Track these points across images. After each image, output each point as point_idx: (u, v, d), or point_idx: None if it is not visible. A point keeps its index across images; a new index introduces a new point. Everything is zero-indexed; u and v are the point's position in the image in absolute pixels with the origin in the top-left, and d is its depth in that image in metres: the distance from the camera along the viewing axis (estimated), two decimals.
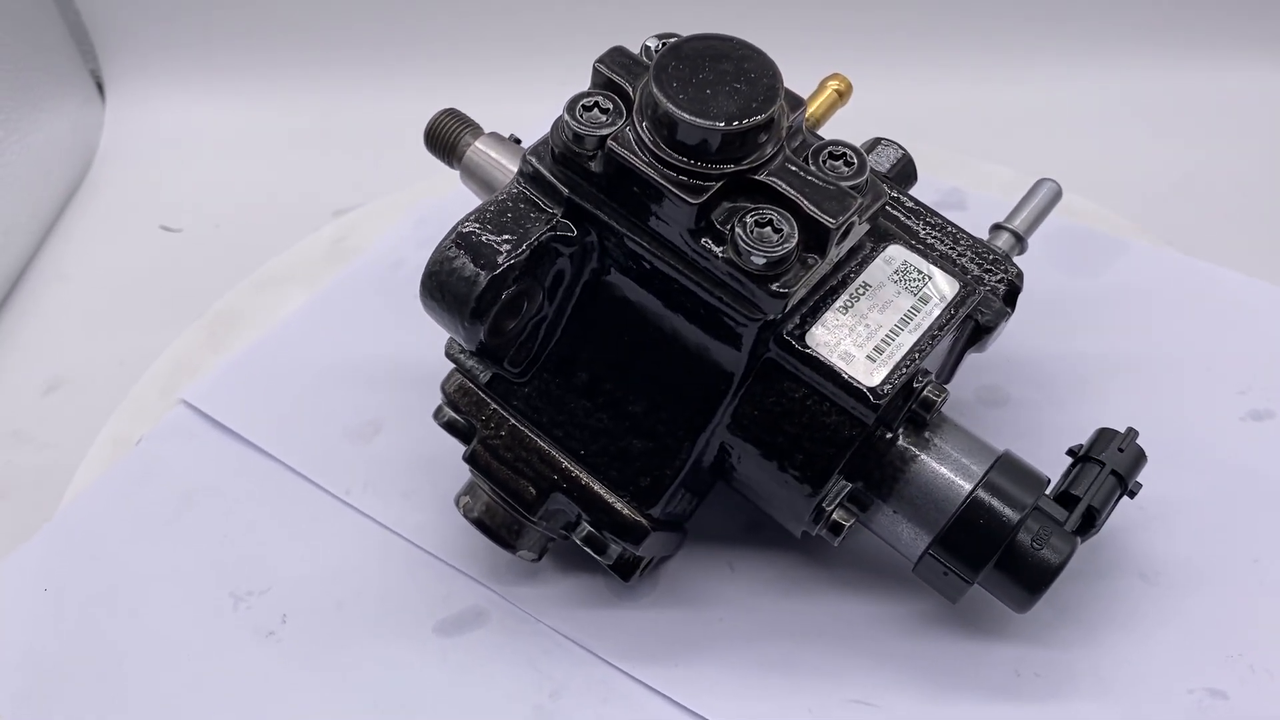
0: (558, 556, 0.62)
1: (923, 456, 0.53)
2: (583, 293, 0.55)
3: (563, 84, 0.54)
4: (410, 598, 0.61)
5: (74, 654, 0.59)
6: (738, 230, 0.47)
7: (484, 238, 0.51)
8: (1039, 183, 0.64)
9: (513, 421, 0.56)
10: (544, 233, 0.51)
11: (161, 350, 0.75)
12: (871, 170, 0.50)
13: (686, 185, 0.48)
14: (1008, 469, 0.54)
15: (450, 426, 0.58)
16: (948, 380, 0.62)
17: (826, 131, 0.66)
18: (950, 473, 0.53)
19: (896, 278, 0.54)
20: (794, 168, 0.49)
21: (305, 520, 0.65)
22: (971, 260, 0.59)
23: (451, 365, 0.57)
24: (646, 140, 0.48)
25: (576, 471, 0.55)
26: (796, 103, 0.51)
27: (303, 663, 0.58)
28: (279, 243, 0.83)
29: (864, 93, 0.67)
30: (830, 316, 0.52)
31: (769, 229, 0.47)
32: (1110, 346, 0.71)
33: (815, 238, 0.48)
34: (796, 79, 0.69)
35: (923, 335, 0.52)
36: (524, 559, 0.59)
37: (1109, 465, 0.55)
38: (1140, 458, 0.56)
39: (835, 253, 0.50)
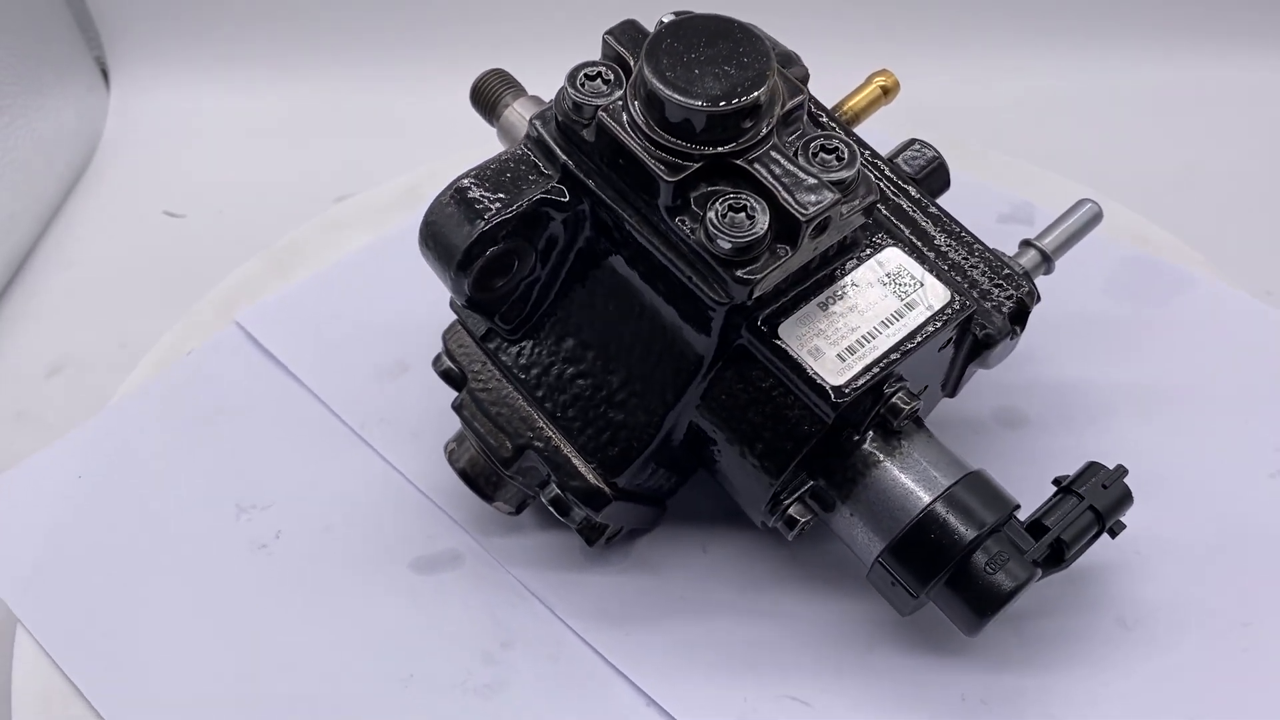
0: (540, 514, 0.63)
1: (886, 463, 0.52)
2: (576, 260, 0.56)
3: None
4: (395, 532, 0.63)
5: (90, 538, 0.64)
6: (709, 213, 0.48)
7: (478, 194, 0.52)
8: (1079, 203, 0.62)
9: (500, 376, 0.58)
10: (537, 195, 0.52)
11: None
12: (865, 169, 0.50)
13: (667, 162, 0.48)
14: (975, 487, 0.52)
15: (446, 375, 0.60)
16: (953, 394, 0.61)
17: (871, 127, 0.65)
18: (911, 482, 0.52)
19: (887, 281, 0.53)
20: (778, 156, 0.48)
21: (319, 448, 0.68)
22: (983, 273, 0.58)
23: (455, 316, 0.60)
24: (636, 115, 0.49)
25: (551, 433, 0.56)
26: (795, 91, 0.50)
27: (283, 578, 0.62)
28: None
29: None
30: (808, 310, 0.52)
31: (742, 215, 0.47)
32: (1148, 380, 0.68)
33: (787, 228, 0.48)
34: (845, 71, 0.70)
35: (900, 341, 0.51)
36: (501, 510, 0.61)
37: (1087, 500, 0.53)
38: (1125, 498, 0.54)
39: (811, 246, 0.49)
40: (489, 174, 0.53)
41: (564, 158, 0.52)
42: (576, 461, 0.56)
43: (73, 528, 0.65)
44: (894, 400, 0.51)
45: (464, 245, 0.52)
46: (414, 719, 0.56)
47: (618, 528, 0.60)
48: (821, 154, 0.49)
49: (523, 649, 0.58)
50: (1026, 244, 0.61)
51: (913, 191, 0.60)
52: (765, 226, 0.47)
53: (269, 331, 0.75)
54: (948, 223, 0.59)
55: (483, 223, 0.51)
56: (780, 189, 0.47)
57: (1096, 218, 0.62)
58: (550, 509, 0.57)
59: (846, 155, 0.49)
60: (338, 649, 0.59)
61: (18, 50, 0.98)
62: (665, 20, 0.53)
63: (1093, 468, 0.54)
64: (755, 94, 0.47)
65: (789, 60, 0.59)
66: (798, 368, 0.50)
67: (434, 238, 0.53)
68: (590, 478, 0.55)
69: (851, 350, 0.51)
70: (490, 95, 0.64)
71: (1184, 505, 0.61)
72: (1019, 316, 0.57)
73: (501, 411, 0.58)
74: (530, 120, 0.54)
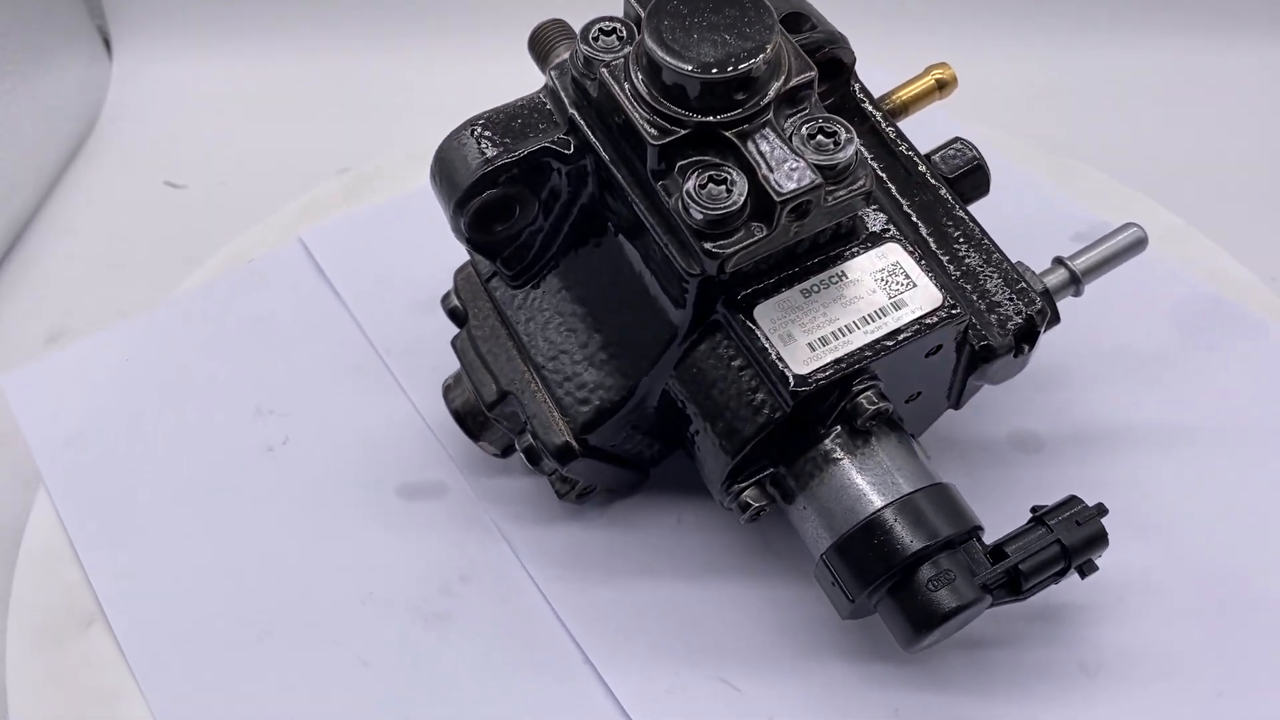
0: None
1: (845, 461, 0.51)
2: (580, 216, 0.56)
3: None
4: (391, 456, 0.65)
5: (123, 416, 0.68)
6: (688, 182, 0.47)
7: (485, 135, 0.53)
8: (1122, 226, 0.58)
9: (496, 320, 0.59)
10: (541, 145, 0.52)
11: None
12: (861, 156, 0.48)
13: (657, 126, 0.48)
14: (934, 499, 0.50)
15: (452, 313, 0.62)
16: (957, 405, 0.59)
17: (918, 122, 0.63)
18: (866, 483, 0.51)
19: (879, 276, 0.51)
20: (770, 133, 0.47)
21: (344, 367, 0.71)
22: (997, 284, 0.55)
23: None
24: (636, 75, 0.49)
25: (533, 382, 0.57)
26: (804, 68, 0.49)
27: (279, 482, 0.65)
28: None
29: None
30: (789, 296, 0.51)
31: (721, 188, 0.47)
32: (1180, 420, 0.64)
33: (765, 207, 0.47)
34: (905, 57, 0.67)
35: (877, 340, 0.50)
36: (485, 451, 0.62)
37: (1055, 534, 0.50)
38: (1097, 539, 0.51)
39: (790, 228, 0.48)
40: (500, 118, 0.54)
41: (571, 111, 0.52)
42: (553, 414, 0.56)
43: (109, 404, 0.69)
44: (859, 399, 0.50)
45: (464, 185, 0.52)
46: (359, 635, 0.58)
47: (589, 485, 0.60)
48: (819, 136, 0.48)
49: (479, 586, 0.59)
50: (1059, 261, 0.58)
51: (942, 191, 0.58)
52: (741, 202, 0.46)
53: (326, 251, 0.78)
54: (970, 227, 0.57)
55: (484, 165, 0.52)
56: (762, 165, 0.47)
57: (1139, 244, 0.58)
58: (523, 457, 0.58)
59: (843, 140, 0.48)
60: (309, 556, 0.61)
61: (20, 18, 0.98)
62: None
63: (1071, 501, 0.52)
64: (748, 65, 0.46)
65: (832, 40, 0.58)
66: (764, 351, 0.49)
67: (440, 172, 0.54)
68: (562, 432, 0.56)
69: (824, 341, 0.50)
70: (545, 44, 0.65)
71: (1185, 556, 0.58)
72: (1027, 334, 0.54)
73: (493, 353, 0.59)
74: (549, 70, 0.54)
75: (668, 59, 0.46)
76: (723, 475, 0.52)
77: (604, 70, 0.49)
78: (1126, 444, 0.63)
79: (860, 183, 0.48)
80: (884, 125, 0.60)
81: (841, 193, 0.48)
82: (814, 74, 0.49)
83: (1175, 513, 0.60)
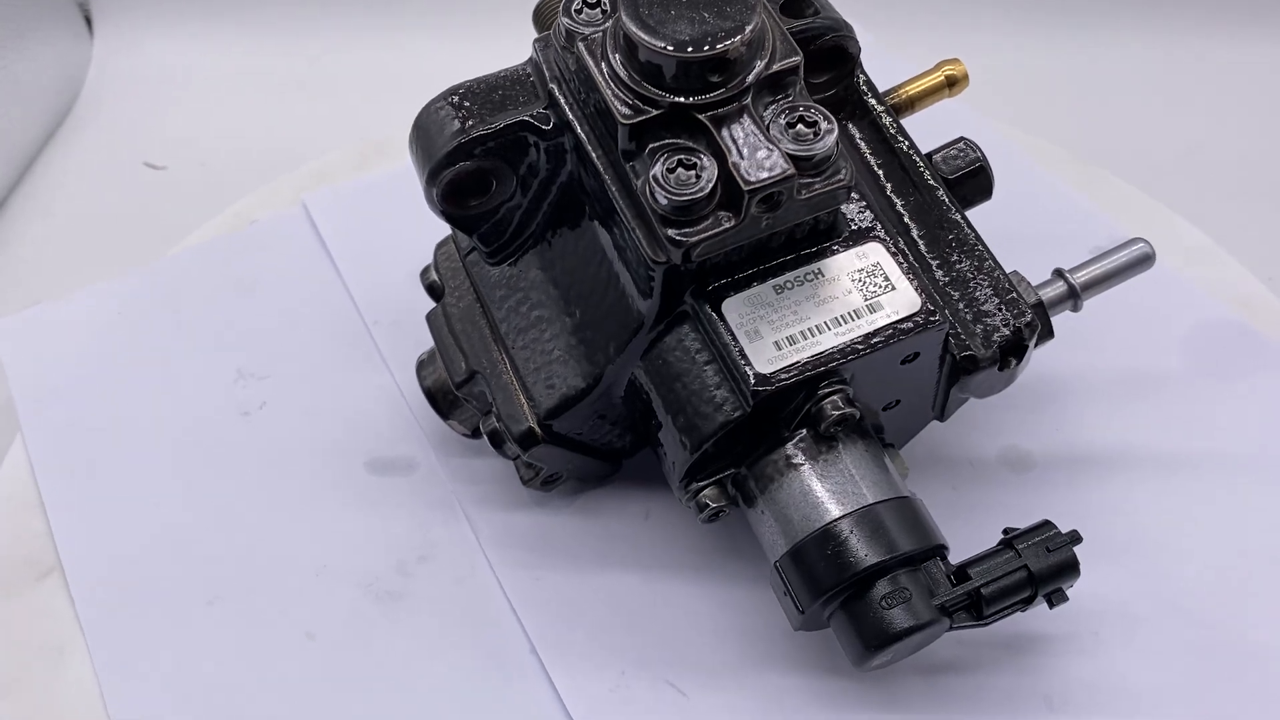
0: None
1: (806, 466, 0.49)
2: (559, 194, 0.54)
3: None
4: (364, 428, 0.65)
5: (107, 369, 0.68)
6: (657, 165, 0.45)
7: (464, 105, 0.51)
8: (1129, 241, 0.55)
9: (472, 297, 0.58)
10: (518, 119, 0.51)
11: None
12: (841, 149, 0.46)
13: (630, 104, 0.46)
14: (898, 512, 0.48)
15: (430, 288, 0.60)
16: (941, 417, 0.56)
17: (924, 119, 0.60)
18: (826, 491, 0.48)
19: (857, 276, 0.49)
20: (746, 119, 0.45)
21: (330, 335, 0.70)
22: (986, 292, 0.53)
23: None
24: (613, 51, 0.47)
25: (502, 363, 0.56)
26: (790, 52, 0.47)
27: (250, 446, 0.64)
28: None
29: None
30: (761, 290, 0.49)
31: (691, 173, 0.45)
32: (1182, 448, 0.61)
33: (734, 196, 0.45)
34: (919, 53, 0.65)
35: (848, 342, 0.48)
36: (455, 430, 0.61)
37: (1023, 560, 0.48)
38: (1068, 567, 0.48)
39: (760, 220, 0.46)
40: (481, 88, 0.52)
41: (551, 85, 0.50)
42: (519, 397, 0.55)
43: (95, 357, 0.69)
44: (824, 403, 0.48)
45: (438, 155, 0.51)
46: (309, 607, 0.57)
47: (554, 473, 0.59)
48: (800, 125, 0.46)
49: (435, 566, 0.58)
50: (1058, 274, 0.55)
51: (940, 193, 0.55)
52: (709, 189, 0.44)
53: (327, 217, 0.77)
54: (965, 232, 0.54)
55: (459, 135, 0.51)
56: (733, 152, 0.45)
57: (1144, 260, 0.55)
58: (488, 439, 0.57)
59: (823, 130, 0.45)
60: (270, 524, 0.60)
61: None
62: None
63: (1044, 526, 0.49)
64: (724, 46, 0.44)
65: (835, 27, 0.55)
66: (727, 347, 0.47)
67: (417, 141, 0.53)
68: (526, 417, 0.54)
69: (792, 340, 0.48)
70: (549, 17, 0.63)
71: (1167, 591, 0.55)
72: (1014, 348, 0.52)
73: (465, 332, 0.57)
74: (534, 41, 0.52)
75: (642, 35, 0.45)
76: (682, 472, 0.50)
77: (581, 44, 0.48)
78: (1122, 469, 0.60)
79: (839, 176, 0.46)
80: (886, 120, 0.57)
81: (818, 186, 0.46)
82: (799, 59, 0.47)
83: (1163, 545, 0.57)
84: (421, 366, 0.61)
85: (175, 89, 1.04)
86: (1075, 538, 0.49)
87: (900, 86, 0.60)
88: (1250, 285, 0.70)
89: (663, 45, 0.44)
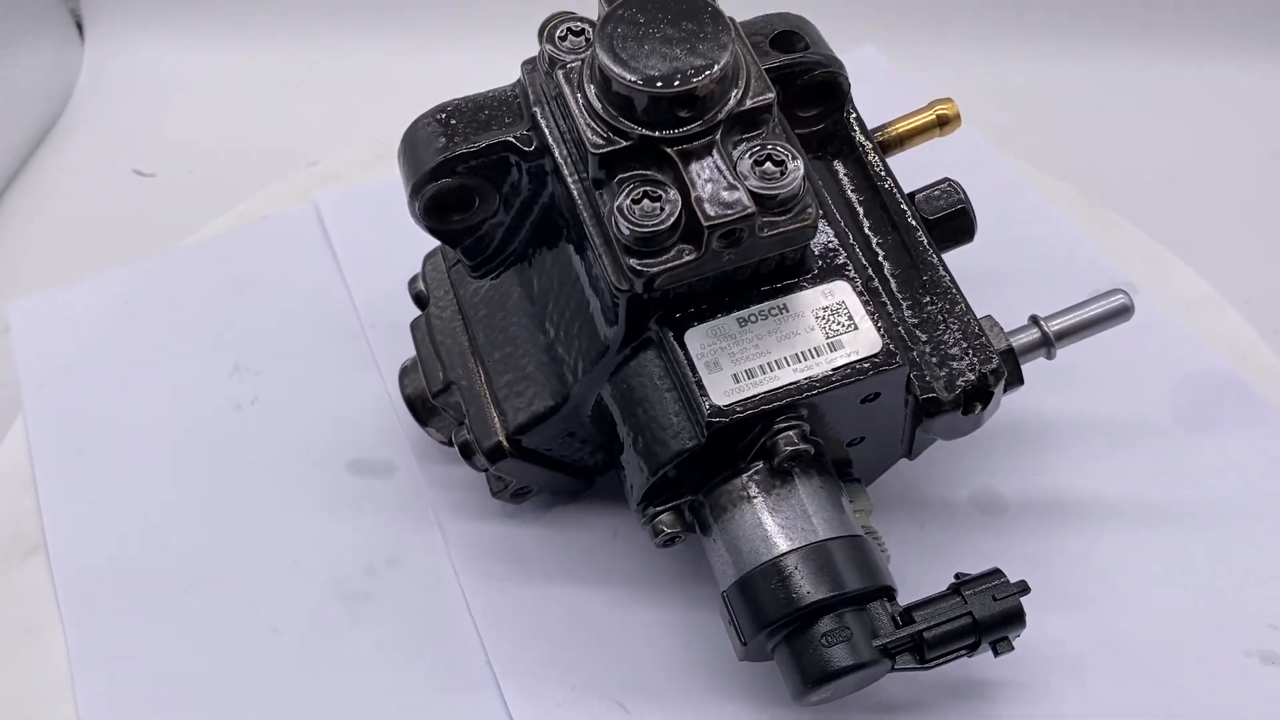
0: None
1: (759, 500, 0.49)
2: (541, 214, 0.55)
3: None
4: (350, 428, 0.66)
5: (110, 356, 0.70)
6: (623, 196, 0.46)
7: (449, 123, 0.53)
8: (1109, 292, 0.55)
9: (455, 309, 0.59)
10: (500, 139, 0.52)
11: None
12: (809, 188, 0.46)
13: (602, 135, 0.47)
14: (847, 551, 0.48)
15: (417, 297, 0.62)
16: (909, 455, 0.56)
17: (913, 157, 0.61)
18: (777, 525, 0.49)
19: (821, 314, 0.50)
20: (715, 154, 0.46)
21: (328, 334, 0.71)
22: (955, 335, 0.53)
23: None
24: (589, 81, 0.48)
25: (478, 376, 0.57)
26: (764, 89, 0.47)
27: (237, 440, 0.66)
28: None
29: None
30: (725, 323, 0.49)
31: (656, 205, 0.45)
32: (1161, 500, 0.61)
33: (695, 230, 0.45)
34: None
35: (805, 379, 0.48)
36: (433, 438, 0.62)
37: (969, 606, 0.48)
38: (1013, 617, 0.48)
39: (721, 255, 0.46)
40: (469, 106, 0.53)
41: (534, 108, 0.51)
42: (489, 411, 0.56)
43: (100, 343, 0.71)
44: (779, 438, 0.48)
45: (421, 170, 0.52)
46: (277, 602, 0.58)
47: (523, 486, 0.60)
48: (768, 163, 0.46)
49: (404, 572, 0.59)
50: (1034, 320, 0.55)
51: (918, 234, 0.55)
52: (671, 222, 0.45)
53: (335, 217, 0.79)
54: (939, 274, 0.54)
55: (442, 152, 0.52)
56: (697, 186, 0.45)
57: (1122, 312, 0.55)
58: (458, 449, 0.58)
59: (790, 169, 0.46)
60: (249, 518, 0.62)
61: None
62: None
63: (993, 574, 0.49)
64: (693, 83, 0.45)
65: (825, 64, 0.55)
66: (686, 376, 0.48)
67: (403, 154, 0.54)
68: (496, 431, 0.55)
69: (750, 374, 0.48)
70: None
71: (1125, 646, 0.55)
72: (979, 393, 0.52)
73: (445, 342, 0.59)
74: (522, 64, 0.53)
75: (613, 68, 0.45)
76: (639, 495, 0.51)
77: (560, 72, 0.49)
78: (1094, 519, 0.60)
79: (805, 216, 0.47)
80: (871, 158, 0.57)
81: (783, 224, 0.46)
82: (771, 97, 0.47)
83: (1127, 598, 0.56)
84: (404, 374, 0.62)
85: (167, 95, 1.04)
86: (1023, 588, 0.49)
87: (891, 124, 0.60)
88: (1247, 337, 0.69)
89: (633, 79, 0.45)
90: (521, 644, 0.56)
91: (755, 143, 0.47)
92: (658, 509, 0.51)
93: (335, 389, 0.68)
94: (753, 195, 0.45)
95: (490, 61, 0.62)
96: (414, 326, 0.60)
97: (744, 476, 0.50)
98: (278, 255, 0.77)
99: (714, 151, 0.46)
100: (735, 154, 0.46)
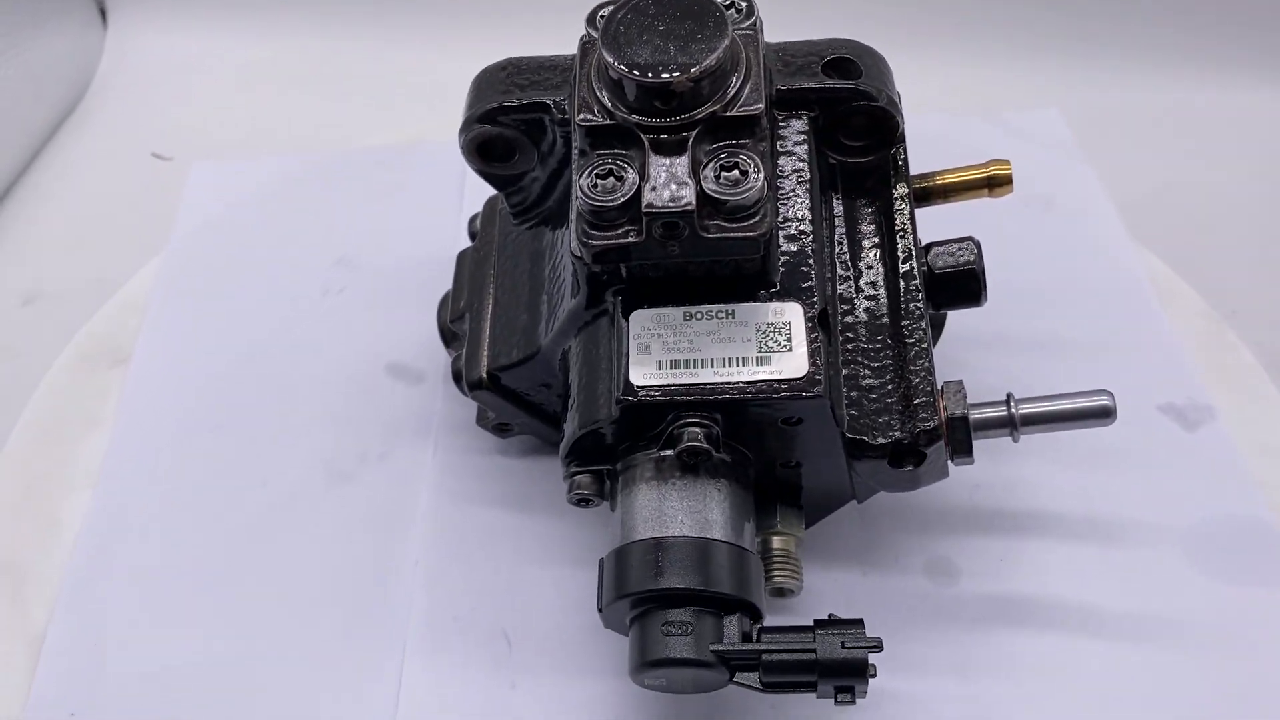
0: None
1: (654, 482, 0.51)
2: (569, 179, 0.59)
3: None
4: (401, 337, 0.73)
5: (249, 235, 0.81)
6: (590, 170, 0.49)
7: (503, 76, 0.57)
8: (1094, 391, 0.52)
9: (491, 246, 0.64)
10: (537, 100, 0.56)
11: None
12: (766, 202, 0.48)
13: (590, 110, 0.50)
14: (725, 558, 0.49)
15: (472, 232, 0.67)
16: (860, 498, 0.56)
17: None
18: (667, 513, 0.50)
19: (763, 329, 0.51)
20: (687, 150, 0.48)
21: (424, 255, 0.77)
22: (903, 389, 0.52)
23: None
24: (596, 62, 0.51)
25: (485, 313, 0.61)
26: (754, 100, 0.49)
27: (310, 318, 0.74)
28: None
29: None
30: (671, 312, 0.51)
31: (618, 184, 0.48)
32: (1119, 608, 0.58)
33: (640, 215, 0.48)
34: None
35: (721, 383, 0.49)
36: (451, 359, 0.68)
37: (814, 645, 0.48)
38: (856, 669, 0.47)
39: (662, 245, 0.48)
40: (532, 65, 0.58)
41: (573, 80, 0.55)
42: (482, 346, 0.60)
43: (247, 212, 0.82)
44: (683, 430, 0.50)
45: (469, 114, 0.57)
46: (274, 462, 0.66)
47: (504, 422, 0.64)
48: (734, 171, 0.48)
49: (389, 467, 0.66)
50: (1008, 398, 0.53)
51: (913, 284, 0.54)
52: (622, 201, 0.48)
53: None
54: (916, 327, 0.53)
55: (489, 101, 0.57)
56: (652, 176, 0.48)
57: (1102, 414, 0.52)
58: (451, 375, 0.63)
59: (750, 180, 0.47)
60: (287, 384, 0.70)
61: None
62: None
63: (853, 624, 0.49)
64: (667, 78, 0.47)
65: (874, 97, 0.55)
66: (617, 351, 0.51)
67: (469, 93, 0.59)
68: (482, 364, 0.60)
69: (674, 365, 0.50)
70: None
71: None
72: (910, 451, 0.51)
73: (474, 275, 0.64)
74: (580, 36, 0.57)
75: (604, 51, 0.48)
76: (565, 449, 0.54)
77: (579, 50, 0.52)
78: (1049, 617, 0.57)
79: (755, 227, 0.48)
80: (899, 203, 0.56)
81: (730, 229, 0.48)
82: (759, 109, 0.49)
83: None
84: (443, 301, 0.67)
85: (188, 80, 1.08)
86: (876, 645, 0.48)
87: (939, 172, 0.59)
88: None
89: (617, 63, 0.48)
90: (450, 557, 0.61)
91: (730, 149, 0.49)
92: (580, 469, 0.54)
93: (410, 301, 0.75)
94: (704, 196, 0.47)
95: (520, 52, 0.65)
96: (459, 257, 0.66)
97: (650, 458, 0.52)
98: (421, 176, 0.84)
99: (686, 148, 0.48)
100: (706, 155, 0.48)
